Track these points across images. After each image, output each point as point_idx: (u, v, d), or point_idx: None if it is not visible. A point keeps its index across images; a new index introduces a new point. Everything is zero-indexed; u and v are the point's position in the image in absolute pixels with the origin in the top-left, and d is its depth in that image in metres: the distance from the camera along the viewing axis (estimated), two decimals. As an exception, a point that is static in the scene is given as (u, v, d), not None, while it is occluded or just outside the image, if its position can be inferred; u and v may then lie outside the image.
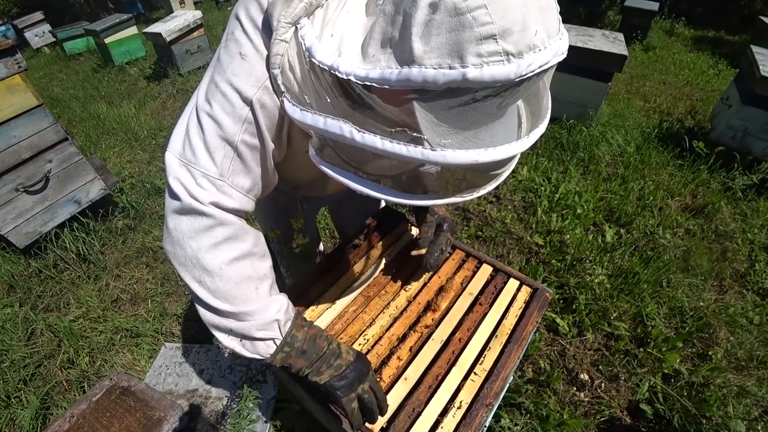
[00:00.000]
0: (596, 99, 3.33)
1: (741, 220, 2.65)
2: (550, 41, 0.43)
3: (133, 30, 5.76)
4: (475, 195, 0.59)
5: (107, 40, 5.55)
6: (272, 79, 0.62)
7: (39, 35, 7.57)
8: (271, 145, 0.70)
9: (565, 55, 0.47)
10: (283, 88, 0.61)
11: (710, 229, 2.57)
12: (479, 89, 0.43)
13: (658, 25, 6.96)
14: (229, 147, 0.65)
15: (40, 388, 1.81)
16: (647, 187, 2.85)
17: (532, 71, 0.42)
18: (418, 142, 0.48)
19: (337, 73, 0.49)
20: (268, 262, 0.78)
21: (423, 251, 1.09)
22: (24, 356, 1.93)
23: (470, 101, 0.44)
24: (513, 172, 2.99)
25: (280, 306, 0.75)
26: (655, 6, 5.89)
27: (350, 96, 0.51)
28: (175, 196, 0.66)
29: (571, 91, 3.35)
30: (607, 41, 3.28)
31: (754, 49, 3.05)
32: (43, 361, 1.94)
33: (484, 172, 0.57)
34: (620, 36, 3.41)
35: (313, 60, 0.53)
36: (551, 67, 0.45)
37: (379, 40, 0.47)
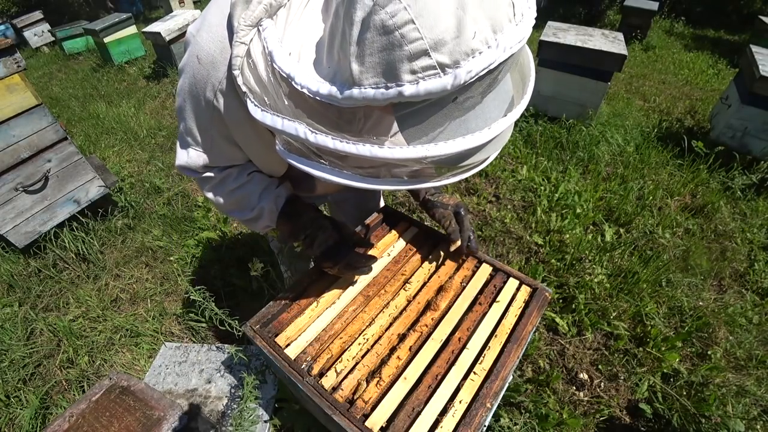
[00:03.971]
0: (596, 98, 3.33)
1: (740, 220, 2.65)
2: (497, 36, 0.41)
3: (132, 29, 5.76)
4: (438, 184, 0.58)
5: (106, 40, 5.54)
6: (234, 79, 0.63)
7: (38, 34, 7.55)
8: (244, 131, 0.79)
9: (526, 38, 0.43)
10: (244, 89, 0.61)
11: (709, 229, 2.57)
12: (421, 102, 0.43)
13: (658, 25, 6.97)
14: (207, 134, 0.81)
15: (40, 387, 1.81)
16: (647, 187, 2.85)
17: (473, 77, 0.41)
18: (367, 140, 0.49)
19: (293, 83, 0.51)
20: (256, 184, 0.94)
21: (458, 243, 1.12)
22: (23, 356, 1.92)
23: (421, 107, 0.45)
24: (513, 171, 3.00)
25: (268, 214, 0.96)
26: (655, 5, 5.89)
27: (304, 104, 0.53)
28: (182, 170, 0.91)
29: (570, 91, 3.36)
30: (607, 41, 3.28)
31: (754, 48, 3.05)
32: (43, 361, 1.94)
33: (446, 165, 0.55)
34: (620, 35, 3.41)
35: (274, 65, 0.54)
36: (510, 56, 0.42)
37: (326, 54, 0.50)
